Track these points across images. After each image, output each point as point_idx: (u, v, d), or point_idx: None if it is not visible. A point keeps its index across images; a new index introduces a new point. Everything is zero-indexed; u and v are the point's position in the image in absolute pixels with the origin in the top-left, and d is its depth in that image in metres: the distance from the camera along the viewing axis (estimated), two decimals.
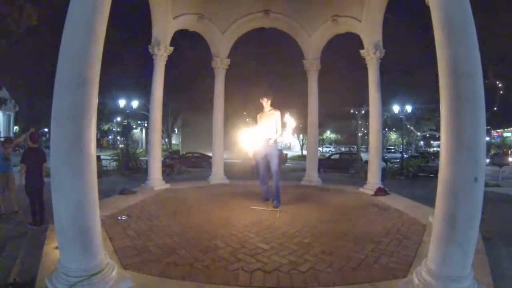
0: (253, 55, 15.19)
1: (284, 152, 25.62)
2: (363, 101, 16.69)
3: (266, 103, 5.49)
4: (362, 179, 8.14)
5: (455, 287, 2.21)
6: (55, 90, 2.32)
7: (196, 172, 15.67)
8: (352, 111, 21.87)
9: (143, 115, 24.94)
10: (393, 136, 36.15)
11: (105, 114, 25.96)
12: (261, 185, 5.70)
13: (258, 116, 5.66)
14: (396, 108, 18.35)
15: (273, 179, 5.35)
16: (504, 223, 5.56)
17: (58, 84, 2.33)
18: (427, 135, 32.45)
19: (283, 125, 5.49)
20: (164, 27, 6.70)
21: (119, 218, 4.31)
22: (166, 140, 26.03)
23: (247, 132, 5.67)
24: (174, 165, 15.26)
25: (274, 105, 5.58)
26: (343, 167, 17.46)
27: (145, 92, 13.79)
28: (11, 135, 28.20)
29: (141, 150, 19.66)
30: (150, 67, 6.86)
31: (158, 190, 6.52)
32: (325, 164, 17.95)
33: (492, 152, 29.13)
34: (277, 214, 4.70)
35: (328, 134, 42.70)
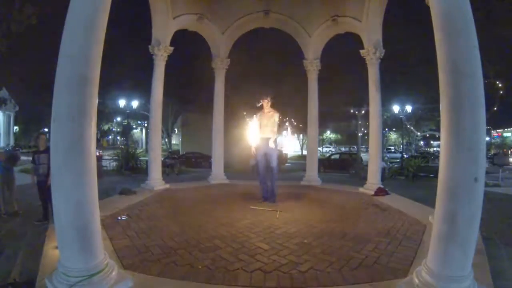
0: (253, 55, 15.16)
1: (284, 152, 25.59)
2: (363, 101, 16.68)
3: (267, 104, 5.59)
4: (362, 179, 8.13)
5: (455, 287, 2.21)
6: (55, 90, 2.32)
7: (196, 172, 15.66)
8: (352, 111, 21.85)
9: (143, 115, 24.93)
10: (393, 136, 36.14)
11: (105, 114, 25.93)
12: (261, 185, 5.72)
13: (258, 116, 5.73)
14: (396, 108, 18.34)
15: (270, 177, 5.40)
16: (504, 223, 5.55)
17: (58, 84, 2.32)
18: (427, 135, 32.47)
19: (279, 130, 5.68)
20: (164, 27, 6.70)
21: (119, 218, 4.32)
22: (166, 140, 26.00)
23: (249, 132, 5.81)
24: (174, 165, 15.26)
25: (273, 106, 5.70)
26: (343, 167, 17.45)
27: (145, 92, 13.77)
28: (11, 135, 28.21)
29: (141, 150, 19.64)
30: (150, 67, 6.87)
31: (158, 190, 6.52)
32: (325, 164, 17.94)
33: (492, 152, 29.13)
34: (277, 214, 4.70)
35: (328, 134, 42.73)
